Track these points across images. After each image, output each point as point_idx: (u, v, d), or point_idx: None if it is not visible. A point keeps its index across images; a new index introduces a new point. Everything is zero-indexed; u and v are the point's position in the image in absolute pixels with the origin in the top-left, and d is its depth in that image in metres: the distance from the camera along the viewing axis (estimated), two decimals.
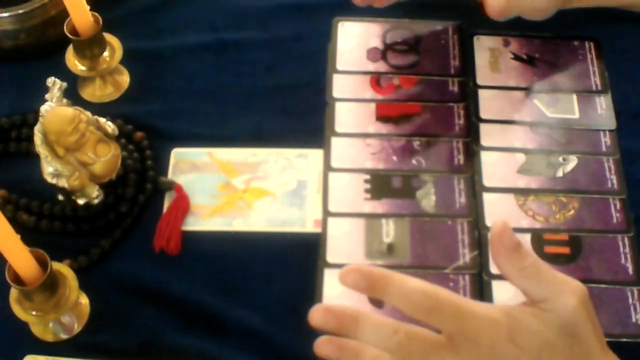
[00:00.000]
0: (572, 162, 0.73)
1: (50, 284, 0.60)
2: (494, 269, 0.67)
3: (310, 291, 0.66)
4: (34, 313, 0.61)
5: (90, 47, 0.74)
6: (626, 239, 0.69)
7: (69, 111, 0.66)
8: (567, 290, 0.51)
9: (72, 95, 0.73)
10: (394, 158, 0.73)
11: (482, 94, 0.77)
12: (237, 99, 0.78)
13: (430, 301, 0.50)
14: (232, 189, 0.72)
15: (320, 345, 0.53)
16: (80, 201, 0.69)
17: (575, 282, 0.52)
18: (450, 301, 0.50)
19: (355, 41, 0.81)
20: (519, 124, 0.75)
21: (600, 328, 0.53)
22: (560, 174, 0.72)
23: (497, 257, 0.53)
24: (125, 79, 0.79)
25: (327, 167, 0.73)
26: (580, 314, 0.51)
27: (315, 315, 0.52)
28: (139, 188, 0.71)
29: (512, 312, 0.51)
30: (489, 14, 0.73)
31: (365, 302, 0.66)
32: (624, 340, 0.64)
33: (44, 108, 0.66)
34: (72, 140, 0.65)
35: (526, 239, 0.69)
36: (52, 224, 0.69)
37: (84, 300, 0.66)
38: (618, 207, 0.70)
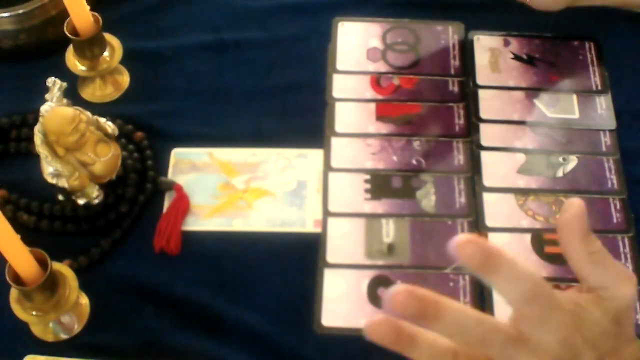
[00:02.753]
0: (572, 162, 0.73)
1: (50, 284, 0.60)
2: None
3: (310, 291, 0.66)
4: (34, 313, 0.61)
5: (90, 47, 0.74)
6: (626, 239, 0.69)
7: (69, 111, 0.66)
8: (626, 279, 0.51)
9: (72, 95, 0.73)
10: (394, 158, 0.73)
11: (482, 94, 0.77)
12: (237, 99, 0.77)
13: (482, 327, 0.47)
14: (232, 189, 0.72)
15: (374, 326, 0.47)
16: (80, 201, 0.69)
17: (630, 272, 0.52)
18: (505, 327, 0.47)
19: (355, 41, 0.81)
20: (519, 124, 0.75)
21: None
22: (560, 174, 0.72)
23: (568, 239, 0.51)
24: (125, 79, 0.79)
25: (327, 167, 0.73)
26: (632, 303, 0.51)
27: (398, 298, 0.46)
28: (139, 188, 0.71)
29: (579, 300, 0.50)
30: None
31: (365, 302, 0.66)
32: None
33: (44, 108, 0.66)
34: (72, 140, 0.65)
35: (526, 239, 0.69)
36: (52, 224, 0.69)
37: (84, 300, 0.66)
38: (618, 207, 0.70)
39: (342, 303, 0.66)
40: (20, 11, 0.76)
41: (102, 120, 0.69)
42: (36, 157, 0.68)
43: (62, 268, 0.63)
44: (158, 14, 0.84)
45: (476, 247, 0.46)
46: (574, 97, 0.77)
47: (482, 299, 0.66)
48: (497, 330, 0.48)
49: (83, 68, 0.75)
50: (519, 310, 0.48)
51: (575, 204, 0.51)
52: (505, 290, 0.47)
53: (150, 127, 0.75)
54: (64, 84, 0.67)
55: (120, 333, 0.65)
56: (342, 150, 0.74)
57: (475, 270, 0.47)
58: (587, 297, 0.51)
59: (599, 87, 0.77)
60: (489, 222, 0.70)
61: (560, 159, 0.73)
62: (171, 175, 0.73)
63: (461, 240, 0.46)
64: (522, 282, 0.47)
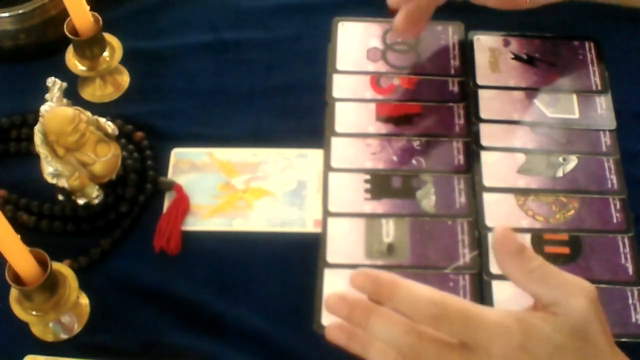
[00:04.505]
0: (572, 162, 0.73)
1: (50, 284, 0.60)
2: (494, 269, 0.67)
3: (310, 291, 0.66)
4: (34, 313, 0.61)
5: (90, 47, 0.74)
6: (626, 239, 0.69)
7: (69, 111, 0.66)
8: (577, 292, 0.50)
9: (72, 95, 0.73)
10: (394, 158, 0.73)
11: (482, 94, 0.77)
12: (237, 99, 0.78)
13: (437, 308, 0.49)
14: (232, 189, 0.72)
15: (331, 329, 0.53)
16: (80, 201, 0.69)
17: (584, 283, 0.51)
18: (459, 308, 0.49)
19: (355, 41, 0.81)
20: (519, 124, 0.75)
21: (608, 326, 0.52)
22: (560, 174, 0.72)
23: (503, 263, 0.52)
24: (125, 79, 0.79)
25: (327, 167, 0.73)
26: (590, 315, 0.50)
27: (330, 300, 0.52)
28: (139, 188, 0.71)
29: (524, 317, 0.50)
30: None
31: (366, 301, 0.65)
32: (624, 340, 0.64)
33: (44, 108, 0.66)
34: (72, 140, 0.65)
35: (526, 239, 0.69)
36: (52, 224, 0.69)
37: (84, 300, 0.66)
38: (618, 207, 0.70)
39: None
40: (20, 11, 0.76)
41: (102, 120, 0.69)
42: (36, 157, 0.68)
43: (62, 268, 0.63)
44: (158, 14, 0.84)
45: (365, 277, 0.51)
46: (574, 97, 0.77)
47: (482, 299, 0.66)
48: (427, 340, 0.49)
49: (83, 68, 0.75)
50: (435, 329, 0.49)
51: (498, 229, 0.52)
52: (409, 314, 0.50)
53: (150, 127, 0.75)
54: (64, 84, 0.67)
55: (120, 333, 0.65)
56: (342, 150, 0.74)
57: (373, 298, 0.50)
58: (534, 315, 0.51)
59: (599, 87, 0.77)
60: (489, 222, 0.70)
61: (560, 159, 0.73)
62: (171, 175, 0.73)
63: (353, 273, 0.51)
64: (422, 304, 0.49)
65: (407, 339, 0.49)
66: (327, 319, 0.65)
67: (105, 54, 0.75)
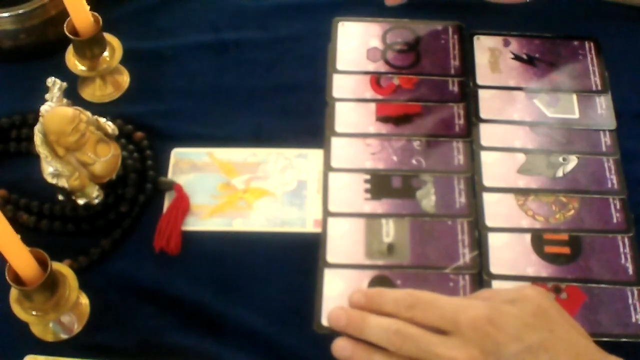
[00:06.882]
0: (572, 162, 0.73)
1: (50, 284, 0.60)
2: (494, 269, 0.67)
3: (310, 291, 0.66)
4: (34, 313, 0.61)
5: (90, 47, 0.74)
6: (626, 239, 0.69)
7: (69, 111, 0.66)
8: (528, 287, 0.59)
9: (72, 95, 0.73)
10: (394, 158, 0.73)
11: (482, 94, 0.77)
12: (237, 99, 0.78)
13: (412, 298, 0.59)
14: (232, 189, 0.72)
15: (336, 345, 0.60)
16: (80, 201, 0.69)
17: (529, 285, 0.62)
18: (429, 296, 0.59)
19: (355, 41, 0.81)
20: (519, 124, 0.75)
21: (570, 317, 0.58)
22: (560, 174, 0.72)
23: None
24: (125, 79, 0.79)
25: (327, 167, 0.73)
26: (546, 300, 0.58)
27: (332, 312, 0.61)
28: (139, 188, 0.71)
29: (491, 302, 0.58)
30: None
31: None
32: (624, 340, 0.64)
33: (44, 108, 0.66)
34: (72, 140, 0.65)
35: (526, 239, 0.69)
36: (52, 224, 0.69)
37: (84, 300, 0.66)
38: (618, 207, 0.70)
39: (342, 303, 0.65)
40: (20, 11, 0.76)
41: (102, 120, 0.69)
42: (36, 157, 0.68)
43: (62, 268, 0.63)
44: (158, 14, 0.84)
45: (360, 294, 0.62)
46: (574, 97, 0.77)
47: None
48: (411, 327, 0.57)
49: (83, 68, 0.75)
50: (412, 318, 0.58)
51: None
52: (393, 310, 0.59)
53: (150, 127, 0.75)
54: (64, 84, 0.67)
55: (120, 333, 0.65)
56: (342, 150, 0.74)
57: (368, 309, 0.61)
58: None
59: (599, 87, 0.77)
60: (489, 222, 0.70)
61: (560, 159, 0.73)
62: (171, 175, 0.73)
63: (350, 294, 0.62)
64: (400, 299, 0.59)
65: (394, 326, 0.58)
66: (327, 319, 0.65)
67: (105, 54, 0.75)
